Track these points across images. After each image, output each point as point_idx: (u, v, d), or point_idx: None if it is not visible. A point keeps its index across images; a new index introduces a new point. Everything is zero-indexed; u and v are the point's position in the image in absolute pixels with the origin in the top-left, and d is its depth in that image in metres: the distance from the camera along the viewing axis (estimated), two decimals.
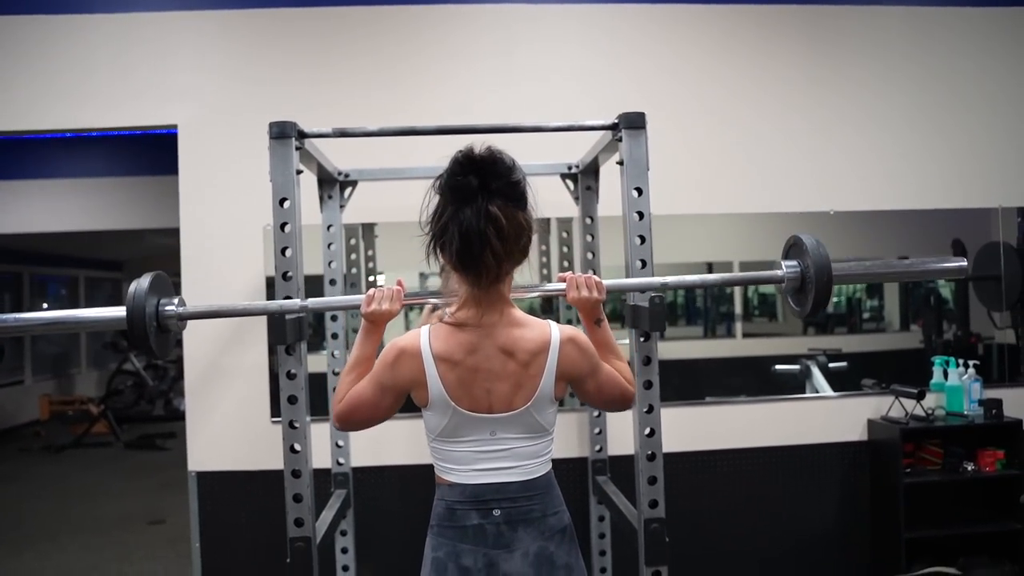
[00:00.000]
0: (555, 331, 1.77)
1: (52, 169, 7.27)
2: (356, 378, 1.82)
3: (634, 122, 2.40)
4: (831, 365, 4.15)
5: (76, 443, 8.76)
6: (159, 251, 10.61)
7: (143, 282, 1.92)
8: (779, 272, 2.02)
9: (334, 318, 3.25)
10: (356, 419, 1.82)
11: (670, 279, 2.09)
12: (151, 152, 6.64)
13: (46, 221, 7.53)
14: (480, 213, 1.62)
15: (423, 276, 4.03)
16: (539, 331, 1.76)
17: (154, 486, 6.66)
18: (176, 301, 1.98)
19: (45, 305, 11.68)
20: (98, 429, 9.08)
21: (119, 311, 1.93)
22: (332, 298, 2.07)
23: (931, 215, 4.09)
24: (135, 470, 7.50)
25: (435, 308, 3.95)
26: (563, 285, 1.91)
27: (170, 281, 2.05)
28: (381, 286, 1.89)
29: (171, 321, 1.96)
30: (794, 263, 2.01)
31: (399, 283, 1.89)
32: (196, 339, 3.68)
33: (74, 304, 11.95)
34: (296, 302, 2.15)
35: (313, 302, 2.13)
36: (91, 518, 5.79)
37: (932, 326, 4.36)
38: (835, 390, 4.04)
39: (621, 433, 3.45)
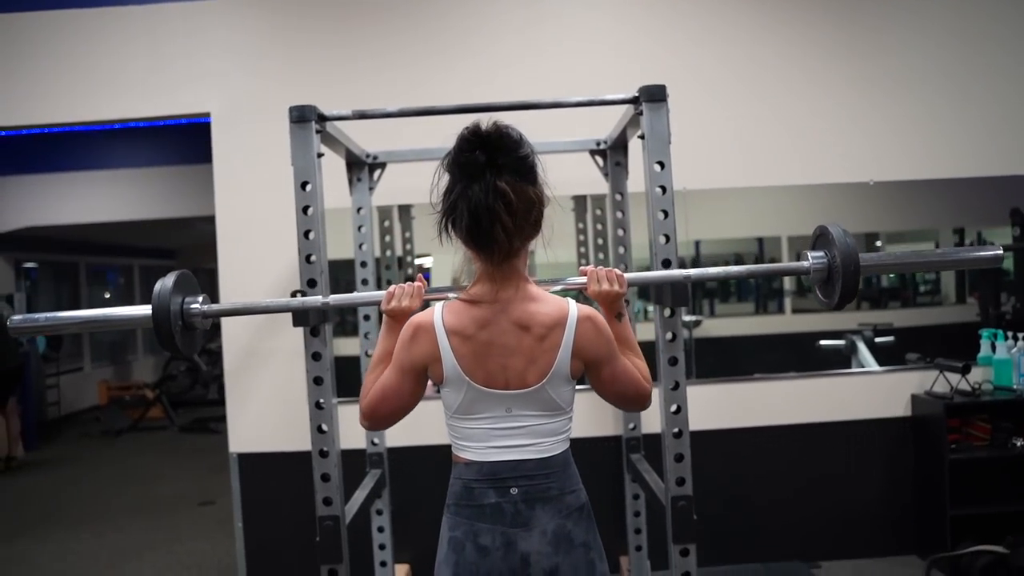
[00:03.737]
0: (573, 307, 1.74)
1: (104, 160, 7.46)
2: (380, 374, 1.81)
3: (655, 95, 2.35)
4: (877, 340, 4.07)
5: (133, 427, 9.00)
6: (209, 238, 10.72)
7: (167, 281, 1.93)
8: (805, 264, 1.97)
9: None
10: (383, 411, 1.80)
11: (693, 272, 2.04)
12: (198, 140, 6.74)
13: (99, 211, 7.75)
14: (488, 189, 1.61)
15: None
16: (556, 306, 1.74)
17: (206, 468, 6.81)
18: (200, 299, 1.99)
19: (107, 296, 12.00)
20: (154, 414, 9.32)
21: (145, 309, 1.95)
22: (353, 295, 2.08)
23: (986, 183, 3.95)
24: (188, 453, 7.68)
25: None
26: (584, 279, 1.88)
27: (195, 279, 2.06)
28: (405, 283, 1.86)
29: (196, 319, 1.98)
30: (820, 254, 1.96)
31: (419, 278, 1.88)
32: (235, 325, 3.75)
33: (129, 292, 12.26)
34: (317, 299, 2.13)
35: (335, 299, 2.10)
36: (145, 499, 5.95)
37: (989, 299, 4.22)
38: (883, 365, 3.95)
39: (655, 411, 3.41)
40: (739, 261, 4.72)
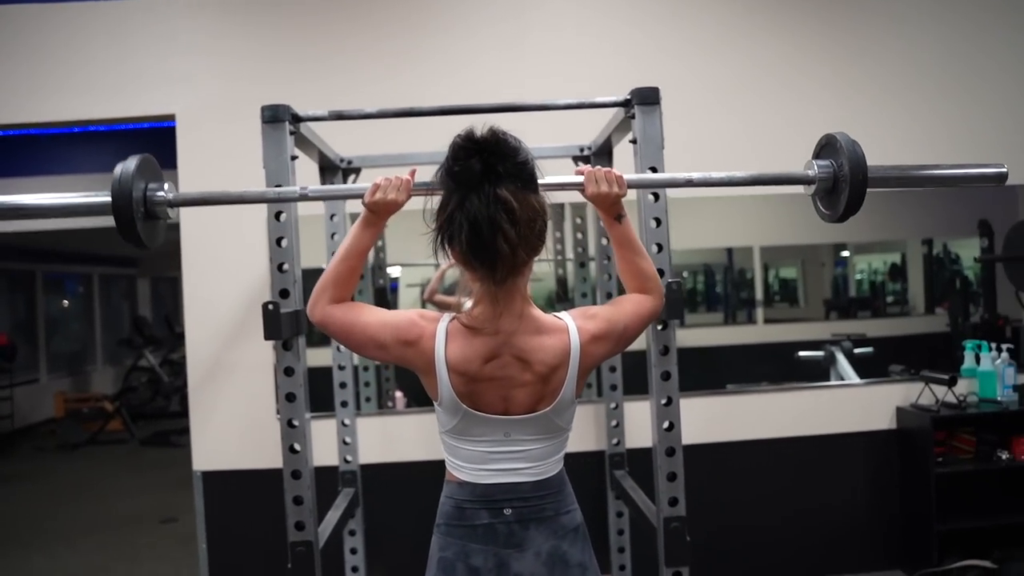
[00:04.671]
0: (574, 335, 1.65)
1: (60, 164, 7.20)
2: (346, 272, 1.67)
3: (647, 97, 2.27)
4: (856, 351, 4.02)
5: (91, 441, 8.70)
6: (173, 246, 10.48)
7: (129, 164, 1.72)
8: (810, 172, 1.85)
9: None
10: (332, 334, 1.70)
11: (695, 175, 1.88)
12: (160, 145, 6.55)
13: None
14: (488, 198, 1.49)
15: (437, 268, 3.90)
16: (559, 339, 1.64)
17: (167, 483, 6.57)
18: (166, 186, 1.79)
19: (66, 303, 11.67)
20: (113, 426, 9.01)
21: (104, 196, 1.73)
22: (336, 187, 1.81)
23: (955, 194, 3.96)
24: (149, 467, 7.43)
25: (452, 292, 3.85)
26: (581, 179, 1.74)
27: (158, 166, 1.84)
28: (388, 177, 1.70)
29: (160, 207, 1.78)
30: (826, 163, 1.83)
31: (410, 172, 1.72)
32: (199, 335, 3.59)
33: (89, 301, 11.94)
34: (295, 189, 1.92)
35: (314, 190, 1.91)
36: (103, 517, 5.71)
37: (958, 309, 4.23)
38: (861, 377, 3.89)
39: (639, 425, 3.32)
40: (709, 271, 4.65)
